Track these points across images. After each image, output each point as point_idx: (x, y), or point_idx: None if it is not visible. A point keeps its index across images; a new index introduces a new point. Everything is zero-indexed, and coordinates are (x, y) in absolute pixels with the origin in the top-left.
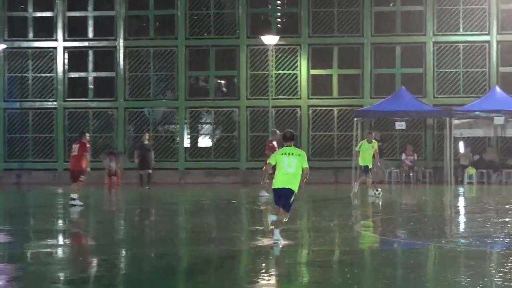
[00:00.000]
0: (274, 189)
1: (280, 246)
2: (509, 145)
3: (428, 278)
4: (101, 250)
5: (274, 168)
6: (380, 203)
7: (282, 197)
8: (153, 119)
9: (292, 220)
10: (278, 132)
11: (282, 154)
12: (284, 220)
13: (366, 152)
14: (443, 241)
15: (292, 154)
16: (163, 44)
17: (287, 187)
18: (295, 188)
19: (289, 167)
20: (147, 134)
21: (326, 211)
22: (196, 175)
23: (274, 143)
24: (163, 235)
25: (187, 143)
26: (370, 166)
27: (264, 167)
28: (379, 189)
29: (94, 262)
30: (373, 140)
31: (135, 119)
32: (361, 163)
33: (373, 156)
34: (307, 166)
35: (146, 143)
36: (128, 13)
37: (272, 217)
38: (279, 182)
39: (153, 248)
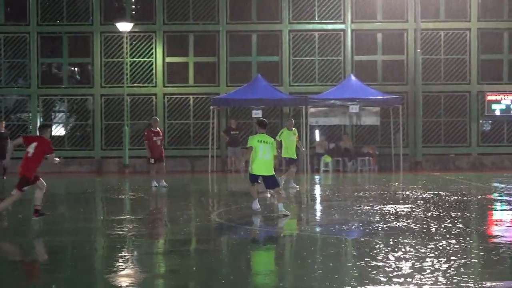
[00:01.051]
0: (254, 174)
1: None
2: (364, 133)
3: (282, 266)
4: None
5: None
6: (238, 192)
7: (269, 181)
8: (4, 107)
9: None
10: (158, 119)
11: (258, 141)
12: (282, 194)
13: (288, 140)
14: (299, 229)
15: (266, 142)
16: (15, 31)
17: (269, 174)
18: (273, 172)
19: (264, 154)
20: (3, 122)
21: (183, 201)
22: (50, 164)
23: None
24: (14, 227)
25: None
26: (295, 157)
27: (245, 152)
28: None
29: None
30: (293, 127)
31: None
32: (285, 154)
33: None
34: (276, 153)
35: (3, 131)
36: None
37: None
38: (260, 169)
39: (2, 239)
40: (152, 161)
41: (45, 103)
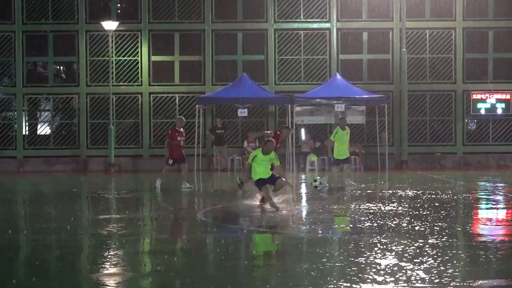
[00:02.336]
0: (260, 179)
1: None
2: (349, 132)
3: (269, 265)
4: None
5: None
6: (223, 191)
7: (268, 180)
8: None
9: (135, 210)
10: (184, 119)
11: (257, 158)
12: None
13: (341, 140)
14: (284, 228)
15: (265, 160)
16: None
17: (269, 176)
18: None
19: (263, 167)
20: None
21: (169, 200)
22: (35, 163)
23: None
24: None
25: (25, 130)
26: (346, 157)
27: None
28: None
29: None
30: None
31: None
32: (337, 156)
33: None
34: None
35: None
36: None
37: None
38: (262, 174)
39: None
40: (170, 161)
41: (30, 101)
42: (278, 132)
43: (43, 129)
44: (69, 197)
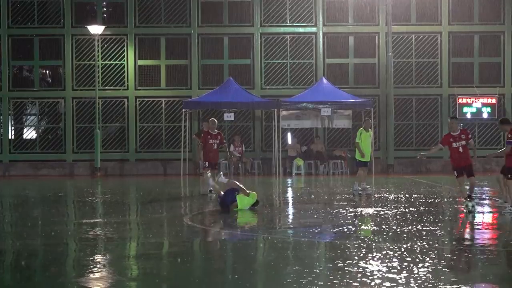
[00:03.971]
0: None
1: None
2: (335, 136)
3: (256, 269)
4: None
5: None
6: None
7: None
8: None
9: (122, 213)
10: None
11: None
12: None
13: (365, 142)
14: (271, 232)
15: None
16: None
17: None
18: None
19: None
20: None
21: (156, 204)
22: (21, 167)
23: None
24: None
25: (11, 135)
26: (369, 160)
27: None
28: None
29: None
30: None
31: None
32: (362, 158)
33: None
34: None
35: None
36: None
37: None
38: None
39: None
40: (206, 164)
41: (16, 105)
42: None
43: (29, 133)
44: (55, 201)
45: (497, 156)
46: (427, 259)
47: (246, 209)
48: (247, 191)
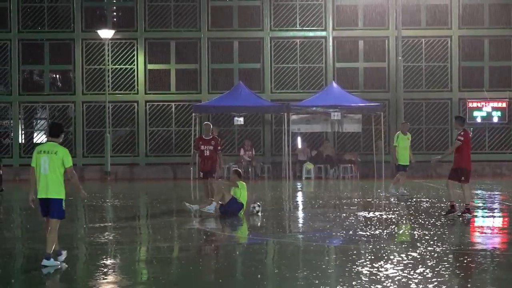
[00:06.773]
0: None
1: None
2: (346, 140)
3: (266, 273)
4: None
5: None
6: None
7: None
8: None
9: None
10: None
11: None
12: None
13: (402, 145)
14: (282, 237)
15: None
16: None
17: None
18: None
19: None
20: None
21: (165, 207)
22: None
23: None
24: None
25: (21, 139)
26: (408, 164)
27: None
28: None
29: None
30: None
31: None
32: (401, 162)
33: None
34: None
35: None
36: None
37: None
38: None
39: None
40: (201, 175)
41: (26, 110)
42: None
43: (39, 138)
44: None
45: (441, 161)
46: (440, 263)
47: (255, 212)
48: (233, 183)
